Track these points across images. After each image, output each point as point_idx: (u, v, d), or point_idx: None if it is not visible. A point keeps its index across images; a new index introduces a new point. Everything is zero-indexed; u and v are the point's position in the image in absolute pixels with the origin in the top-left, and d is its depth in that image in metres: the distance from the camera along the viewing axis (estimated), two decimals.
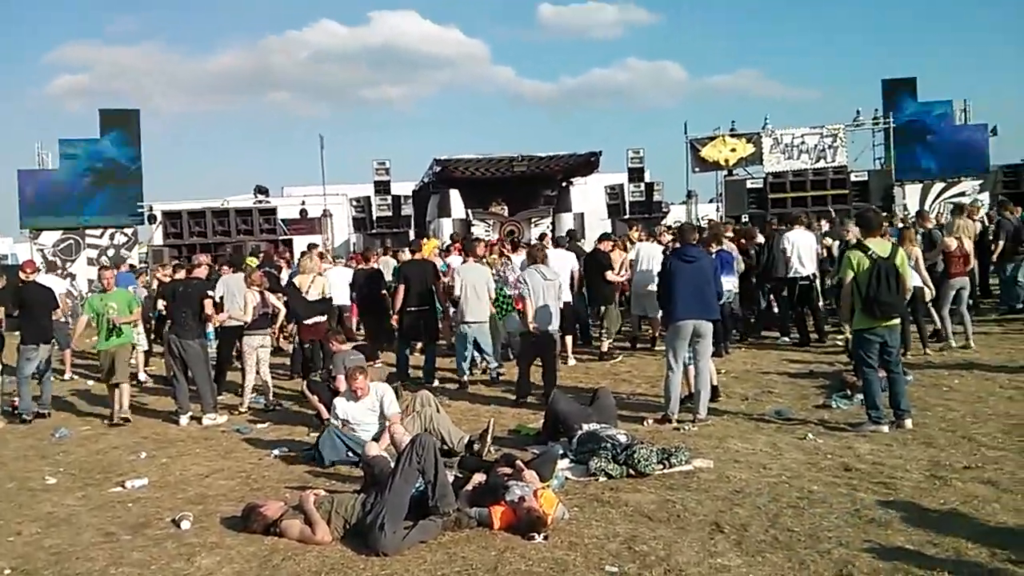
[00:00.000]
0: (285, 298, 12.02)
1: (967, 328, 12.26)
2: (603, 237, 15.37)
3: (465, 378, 11.64)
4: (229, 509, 6.81)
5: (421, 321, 12.06)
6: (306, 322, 11.76)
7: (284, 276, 15.32)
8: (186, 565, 5.71)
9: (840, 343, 12.25)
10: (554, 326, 10.64)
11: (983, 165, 28.71)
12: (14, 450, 9.60)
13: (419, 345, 12.97)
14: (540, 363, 10.62)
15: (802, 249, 13.22)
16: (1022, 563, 4.93)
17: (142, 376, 13.66)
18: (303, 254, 15.24)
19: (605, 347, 13.51)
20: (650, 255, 13.16)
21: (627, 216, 27.37)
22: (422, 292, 12.02)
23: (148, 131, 32.67)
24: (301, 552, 5.81)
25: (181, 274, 14.18)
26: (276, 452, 8.71)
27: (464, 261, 12.45)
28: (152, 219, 25.77)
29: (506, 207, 27.82)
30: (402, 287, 11.89)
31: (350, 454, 7.93)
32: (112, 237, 26.11)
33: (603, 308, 13.69)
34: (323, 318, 11.99)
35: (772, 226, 15.29)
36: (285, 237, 25.93)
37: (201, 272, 11.74)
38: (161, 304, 14.04)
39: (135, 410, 11.29)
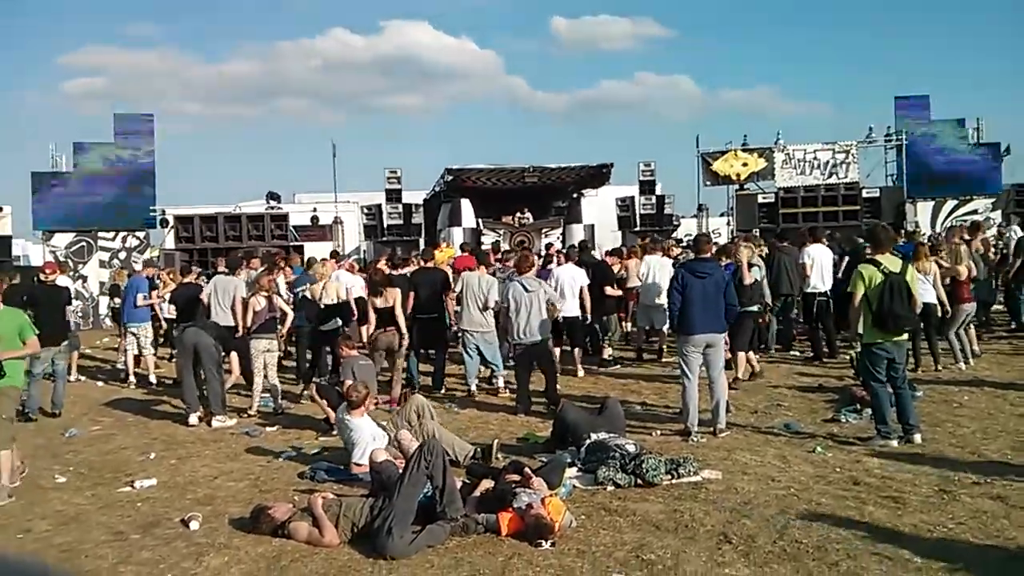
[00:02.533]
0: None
1: (965, 347, 12.29)
2: (611, 252, 15.44)
3: (473, 387, 11.66)
4: (238, 510, 6.83)
5: (431, 329, 12.08)
6: (323, 328, 11.70)
7: (280, 281, 15.19)
8: (195, 565, 5.73)
9: (847, 358, 12.23)
10: (540, 336, 10.64)
11: (995, 184, 28.64)
12: (24, 449, 9.60)
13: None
14: (541, 373, 10.71)
15: (823, 264, 13.16)
16: None
17: (152, 379, 13.70)
18: (309, 262, 15.43)
19: (606, 354, 13.70)
20: (658, 267, 13.20)
21: (638, 228, 27.40)
22: (431, 300, 12.03)
23: (161, 135, 32.74)
24: (309, 554, 5.83)
25: (190, 278, 14.33)
26: (285, 455, 8.74)
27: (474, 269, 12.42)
28: (164, 223, 25.83)
29: (531, 216, 27.77)
30: (412, 295, 11.89)
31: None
32: (124, 240, 26.16)
33: (604, 318, 13.73)
34: (339, 322, 11.89)
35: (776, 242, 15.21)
36: (296, 243, 26.00)
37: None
38: (172, 309, 14.16)
39: (146, 412, 11.35)
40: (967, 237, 15.03)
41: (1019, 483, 6.76)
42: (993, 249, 16.52)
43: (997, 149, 29.08)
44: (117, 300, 16.31)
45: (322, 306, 11.68)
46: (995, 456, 7.63)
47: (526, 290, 10.69)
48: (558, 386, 10.89)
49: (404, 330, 11.30)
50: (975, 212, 27.42)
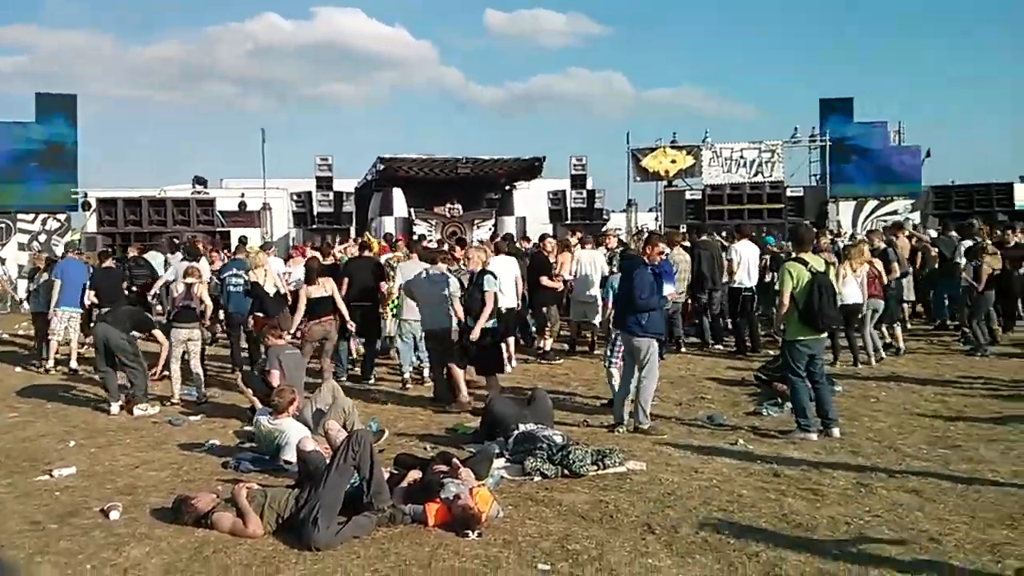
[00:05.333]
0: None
1: (877, 345, 12.63)
2: (543, 237, 15.46)
3: (406, 375, 11.58)
4: (159, 500, 6.71)
5: (365, 318, 11.97)
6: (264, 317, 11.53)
7: (205, 266, 14.94)
8: (115, 555, 5.62)
9: (772, 353, 12.40)
10: (444, 325, 10.51)
11: (915, 186, 29.43)
12: None
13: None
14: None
15: (748, 260, 13.44)
16: (942, 568, 5.10)
17: (73, 364, 13.34)
18: (237, 248, 15.32)
19: (547, 346, 13.64)
20: (590, 261, 13.30)
21: (569, 221, 27.56)
22: (364, 288, 11.96)
23: (85, 116, 31.90)
24: (232, 545, 5.75)
25: (109, 262, 14.04)
26: (209, 444, 8.61)
27: (407, 259, 12.37)
28: (87, 206, 25.23)
29: (460, 207, 27.76)
30: (345, 282, 11.79)
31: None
32: (45, 223, 25.44)
33: (544, 309, 13.71)
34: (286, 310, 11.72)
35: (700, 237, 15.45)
36: (223, 229, 25.61)
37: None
38: (92, 295, 13.81)
39: (65, 400, 11.08)
40: (895, 235, 15.44)
41: (933, 477, 6.98)
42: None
43: (917, 152, 29.90)
44: (32, 285, 15.62)
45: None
46: (910, 450, 7.86)
47: (431, 280, 10.54)
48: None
49: (348, 317, 11.23)
50: (895, 213, 28.16)
